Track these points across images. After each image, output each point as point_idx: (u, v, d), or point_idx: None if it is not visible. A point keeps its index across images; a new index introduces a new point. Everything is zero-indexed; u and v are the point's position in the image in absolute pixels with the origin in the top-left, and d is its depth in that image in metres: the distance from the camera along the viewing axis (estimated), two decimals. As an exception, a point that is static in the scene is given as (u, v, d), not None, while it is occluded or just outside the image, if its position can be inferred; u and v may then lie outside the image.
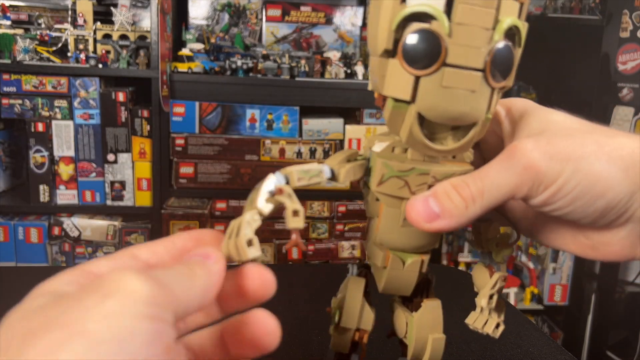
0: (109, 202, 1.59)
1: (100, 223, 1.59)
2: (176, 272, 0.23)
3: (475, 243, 0.33)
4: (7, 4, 1.54)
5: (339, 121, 1.61)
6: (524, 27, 0.27)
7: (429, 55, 0.25)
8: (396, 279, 0.32)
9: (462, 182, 0.28)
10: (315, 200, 1.65)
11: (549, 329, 2.04)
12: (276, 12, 1.78)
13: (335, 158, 0.31)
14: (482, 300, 0.31)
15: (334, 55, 1.65)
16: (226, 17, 1.77)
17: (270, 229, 1.64)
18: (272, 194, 0.28)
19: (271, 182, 0.29)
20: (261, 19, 1.79)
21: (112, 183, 1.58)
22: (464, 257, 2.00)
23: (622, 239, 0.29)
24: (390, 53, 0.27)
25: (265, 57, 1.63)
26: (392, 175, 0.29)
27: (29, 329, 0.19)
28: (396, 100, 0.27)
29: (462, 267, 1.97)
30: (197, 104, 1.57)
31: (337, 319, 0.33)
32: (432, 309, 0.32)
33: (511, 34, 0.27)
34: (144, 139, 1.56)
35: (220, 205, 1.60)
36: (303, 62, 1.62)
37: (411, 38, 0.25)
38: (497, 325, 0.31)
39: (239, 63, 1.59)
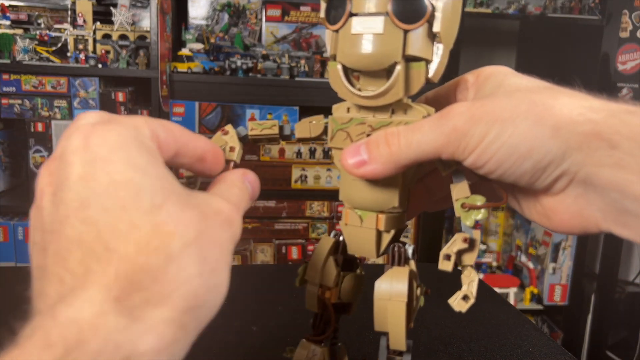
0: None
1: (100, 223, 1.59)
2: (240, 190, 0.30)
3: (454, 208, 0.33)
4: (6, 4, 1.54)
5: (339, 121, 1.61)
6: None
7: (339, 9, 0.29)
8: (356, 236, 0.33)
9: (396, 131, 0.29)
10: (315, 201, 1.65)
11: (548, 329, 2.04)
12: (276, 12, 1.78)
13: (302, 120, 0.35)
14: (440, 263, 0.30)
15: (333, 55, 1.65)
16: (226, 17, 1.77)
17: (270, 229, 1.64)
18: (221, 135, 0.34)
19: (229, 127, 0.34)
20: (261, 19, 1.79)
21: (112, 183, 1.58)
22: (464, 257, 2.00)
23: (569, 205, 0.28)
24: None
25: (265, 57, 1.63)
26: (338, 128, 0.32)
27: None
28: (333, 60, 0.31)
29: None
30: (196, 104, 1.57)
31: (302, 273, 0.35)
32: (395, 274, 0.31)
33: None
34: (143, 139, 1.56)
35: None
36: (303, 62, 1.62)
37: (327, 2, 0.30)
38: (466, 298, 0.29)
39: (239, 63, 1.59)
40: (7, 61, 1.48)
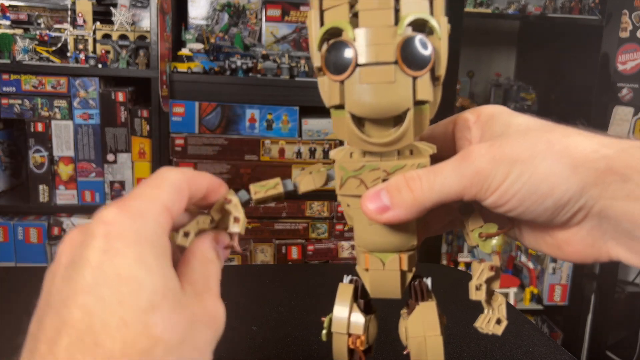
0: (108, 202, 1.58)
1: (100, 223, 1.59)
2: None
3: (466, 237, 0.34)
4: (6, 4, 1.54)
5: (339, 121, 1.61)
6: (438, 19, 0.29)
7: (343, 60, 0.29)
8: (380, 280, 0.33)
9: (416, 175, 0.30)
10: (315, 201, 1.65)
11: (548, 329, 2.04)
12: (276, 12, 1.78)
13: (302, 173, 0.35)
14: (471, 293, 0.31)
15: (333, 55, 1.65)
16: (226, 17, 1.77)
17: (270, 229, 1.64)
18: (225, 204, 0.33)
19: (232, 195, 0.33)
20: (261, 19, 1.79)
21: (112, 183, 1.58)
22: (464, 257, 2.00)
23: (583, 238, 0.29)
24: (320, 69, 0.30)
25: (265, 57, 1.63)
26: (349, 175, 0.32)
27: None
28: (334, 108, 0.30)
29: (461, 267, 1.97)
30: (196, 104, 1.57)
31: (329, 326, 0.35)
32: (424, 310, 0.33)
33: (420, 26, 0.29)
34: (143, 139, 1.56)
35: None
36: (303, 62, 1.62)
37: (328, 51, 0.29)
38: (499, 321, 0.31)
39: (239, 63, 1.59)
40: (7, 61, 1.48)
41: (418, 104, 0.29)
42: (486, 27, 2.20)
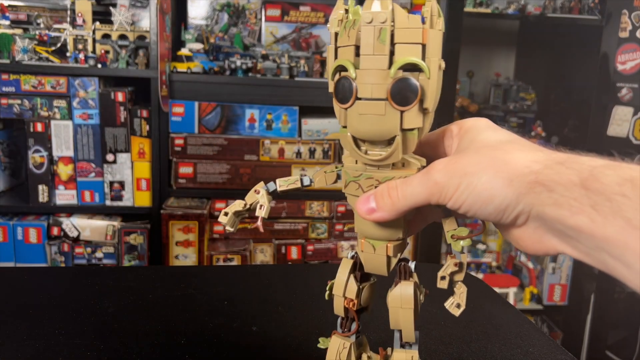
0: (108, 202, 1.59)
1: (100, 223, 1.59)
2: None
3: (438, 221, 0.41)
4: (6, 3, 1.54)
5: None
6: (430, 60, 0.35)
7: (347, 94, 0.36)
8: (371, 261, 0.41)
9: (394, 185, 0.37)
10: (315, 201, 1.65)
11: (548, 328, 2.04)
12: (275, 12, 1.78)
13: (319, 171, 0.43)
14: (437, 283, 0.39)
15: (333, 55, 1.65)
16: (225, 17, 1.77)
17: (270, 229, 1.64)
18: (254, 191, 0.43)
19: (261, 187, 0.43)
20: (260, 19, 1.79)
21: (112, 183, 1.58)
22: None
23: (531, 235, 0.35)
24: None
25: (265, 57, 1.63)
26: (351, 180, 0.40)
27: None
28: (343, 127, 0.38)
29: (461, 267, 1.96)
30: (196, 104, 1.57)
31: (330, 289, 0.44)
32: (403, 287, 0.40)
33: (412, 68, 0.35)
34: (143, 139, 1.56)
35: (220, 205, 1.60)
36: (302, 62, 1.62)
37: (336, 84, 0.37)
38: (458, 306, 0.38)
39: (238, 63, 1.59)
40: (7, 61, 1.48)
41: (406, 130, 0.36)
42: (486, 27, 2.20)
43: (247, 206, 0.43)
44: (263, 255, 1.65)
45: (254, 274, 0.80)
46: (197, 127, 1.59)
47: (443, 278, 0.39)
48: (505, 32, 2.25)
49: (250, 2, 1.78)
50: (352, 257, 0.43)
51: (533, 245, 0.35)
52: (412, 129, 0.36)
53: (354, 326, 0.44)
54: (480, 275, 1.94)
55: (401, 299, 0.40)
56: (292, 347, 0.57)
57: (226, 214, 0.43)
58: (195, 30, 1.74)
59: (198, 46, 1.62)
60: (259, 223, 0.42)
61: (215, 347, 0.57)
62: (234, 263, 1.57)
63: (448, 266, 0.39)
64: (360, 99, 0.36)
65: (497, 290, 0.76)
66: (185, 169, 1.59)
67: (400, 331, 0.42)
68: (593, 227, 0.30)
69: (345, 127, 0.38)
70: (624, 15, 1.75)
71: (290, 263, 1.64)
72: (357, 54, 0.36)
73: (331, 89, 0.37)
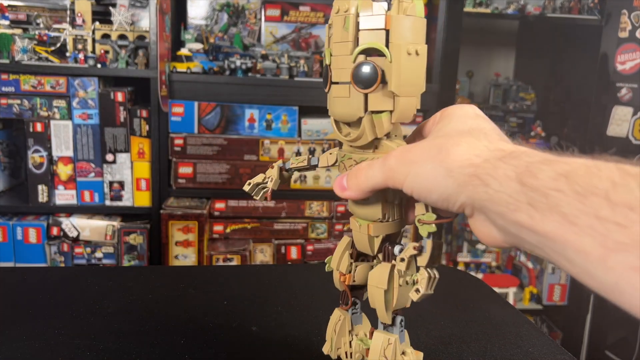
0: (107, 202, 1.59)
1: (99, 223, 1.59)
2: None
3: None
4: (5, 3, 1.54)
5: (338, 121, 1.61)
6: (395, 45, 0.37)
7: (325, 79, 0.40)
8: (357, 238, 0.44)
9: (361, 167, 0.40)
10: (315, 201, 1.65)
11: (548, 328, 2.04)
12: (275, 12, 1.78)
13: (324, 154, 0.46)
14: (397, 264, 0.41)
15: (333, 55, 1.65)
16: (225, 17, 1.77)
17: (270, 229, 1.64)
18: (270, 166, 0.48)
19: (275, 163, 0.48)
20: (260, 19, 1.79)
21: (111, 183, 1.58)
22: (463, 257, 2.00)
23: (481, 227, 0.35)
24: None
25: (264, 57, 1.63)
26: (340, 160, 0.43)
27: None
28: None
29: (461, 267, 1.97)
30: (196, 104, 1.57)
31: (329, 262, 0.47)
32: (380, 269, 0.41)
33: (378, 53, 0.37)
34: (142, 139, 1.56)
35: (219, 205, 1.60)
36: (302, 62, 1.62)
37: (322, 70, 0.40)
38: (418, 290, 0.39)
39: (238, 63, 1.59)
40: (6, 61, 1.47)
41: (375, 112, 0.38)
42: (485, 27, 2.20)
43: (266, 179, 0.48)
44: (263, 255, 1.65)
45: (253, 274, 0.80)
46: (197, 127, 1.59)
47: (402, 260, 0.40)
48: (505, 32, 2.25)
49: (250, 2, 1.78)
50: (350, 236, 0.46)
51: (487, 237, 0.35)
52: (380, 112, 0.38)
53: (349, 301, 0.46)
54: (480, 275, 1.94)
55: (376, 278, 0.41)
56: (292, 347, 0.57)
57: (249, 184, 0.48)
58: (195, 30, 1.74)
59: (198, 46, 1.62)
60: (268, 193, 0.48)
61: (215, 347, 0.57)
62: (234, 263, 1.57)
63: (407, 249, 0.40)
64: (334, 83, 0.39)
65: (496, 290, 0.76)
66: (185, 169, 1.59)
67: None
68: (532, 223, 0.30)
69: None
70: (623, 15, 1.75)
71: (290, 263, 1.64)
72: None
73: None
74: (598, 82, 1.84)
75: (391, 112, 0.39)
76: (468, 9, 1.82)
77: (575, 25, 1.89)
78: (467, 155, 0.34)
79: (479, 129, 0.37)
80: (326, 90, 0.40)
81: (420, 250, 0.40)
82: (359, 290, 0.47)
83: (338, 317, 0.47)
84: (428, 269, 0.40)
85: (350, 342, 0.47)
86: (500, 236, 0.34)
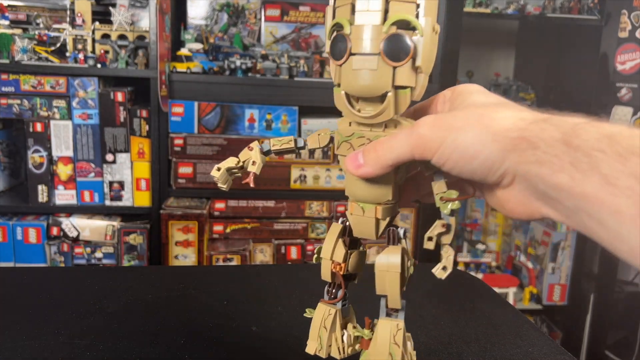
0: (107, 202, 1.59)
1: (99, 223, 1.59)
2: None
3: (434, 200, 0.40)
4: (5, 3, 1.54)
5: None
6: (425, 20, 0.36)
7: (341, 49, 0.37)
8: (360, 224, 0.42)
9: (380, 142, 0.38)
10: (315, 201, 1.65)
11: (547, 328, 2.04)
12: (275, 12, 1.78)
13: (312, 134, 0.43)
14: (424, 243, 0.39)
15: (333, 55, 1.65)
16: (225, 17, 1.77)
17: (270, 229, 1.64)
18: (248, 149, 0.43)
19: (255, 144, 0.43)
20: (260, 19, 1.79)
21: (111, 183, 1.58)
22: (463, 257, 2.00)
23: (516, 197, 0.35)
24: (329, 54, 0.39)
25: (264, 57, 1.63)
26: (343, 140, 0.40)
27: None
28: (337, 86, 0.39)
29: (461, 267, 1.97)
30: (195, 104, 1.57)
31: (318, 252, 0.44)
32: (391, 251, 0.40)
33: (406, 25, 0.36)
34: (142, 139, 1.56)
35: (219, 205, 1.60)
36: (302, 62, 1.62)
37: (332, 41, 0.38)
38: (445, 268, 0.37)
39: (238, 63, 1.59)
40: (6, 61, 1.47)
41: (399, 88, 0.37)
42: (485, 27, 2.20)
43: (240, 163, 0.43)
44: (263, 255, 1.65)
45: (253, 274, 0.80)
46: (197, 127, 1.59)
47: (430, 239, 0.38)
48: (505, 32, 2.25)
49: (250, 2, 1.78)
50: (342, 222, 0.43)
51: (518, 209, 0.35)
52: (404, 87, 0.37)
53: (340, 293, 0.44)
54: (479, 275, 1.94)
55: (388, 262, 0.39)
56: (292, 347, 0.57)
57: (219, 169, 0.43)
58: (195, 30, 1.74)
59: (198, 46, 1.62)
60: (251, 177, 0.43)
61: (214, 347, 0.57)
62: (234, 263, 1.57)
63: (435, 227, 0.38)
64: (354, 54, 0.36)
65: (496, 290, 0.76)
66: (185, 169, 1.59)
67: (386, 298, 0.41)
68: (572, 184, 0.30)
69: (339, 85, 0.38)
70: (623, 15, 1.75)
71: (290, 263, 1.64)
72: (354, 12, 0.37)
73: (328, 48, 0.38)
74: (598, 82, 1.84)
75: (412, 89, 0.37)
76: (468, 9, 1.82)
77: (575, 25, 1.89)
78: (513, 119, 0.33)
79: (506, 101, 0.37)
80: (339, 63, 0.37)
81: (448, 228, 0.38)
82: (347, 280, 0.45)
83: (327, 312, 0.44)
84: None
85: (342, 336, 0.45)
86: (536, 205, 0.34)
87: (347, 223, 0.43)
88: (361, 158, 0.38)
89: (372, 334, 0.43)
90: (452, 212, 0.38)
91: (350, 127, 0.40)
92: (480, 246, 2.02)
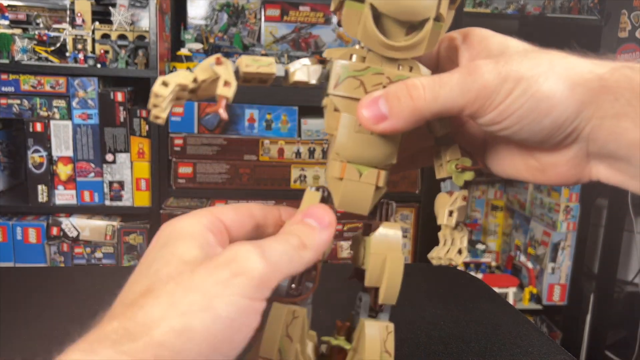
0: (107, 202, 1.59)
1: (99, 223, 1.59)
2: (287, 249, 0.27)
3: (436, 169, 0.33)
4: (5, 3, 1.54)
5: (338, 121, 1.61)
6: None
7: None
8: (352, 192, 0.31)
9: (420, 84, 0.29)
10: (314, 200, 1.65)
11: (547, 328, 2.04)
12: (275, 12, 1.78)
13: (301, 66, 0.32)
14: (441, 218, 0.32)
15: (332, 55, 1.65)
16: (225, 17, 1.77)
17: (269, 229, 1.63)
18: (212, 65, 0.29)
19: (225, 59, 0.30)
20: (260, 19, 1.79)
21: (111, 183, 1.58)
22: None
23: (570, 159, 0.29)
24: None
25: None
26: (348, 75, 0.30)
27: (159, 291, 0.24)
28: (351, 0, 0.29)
29: (461, 267, 1.97)
30: (195, 103, 1.57)
31: None
32: (390, 230, 0.31)
33: None
34: (142, 139, 1.56)
35: (219, 205, 1.60)
36: (302, 62, 1.62)
37: None
38: (460, 251, 0.31)
39: (238, 63, 1.59)
40: (6, 61, 1.47)
41: (437, 19, 0.29)
42: (485, 27, 2.20)
43: (198, 81, 0.30)
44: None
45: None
46: (197, 127, 1.59)
47: (451, 213, 0.31)
48: (505, 32, 2.24)
49: (250, 2, 1.78)
50: (318, 190, 0.33)
51: (566, 172, 0.30)
52: (440, 19, 0.30)
53: (310, 285, 0.32)
54: (479, 275, 1.94)
55: (387, 241, 0.31)
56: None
57: (166, 84, 0.28)
58: (195, 30, 1.74)
59: (197, 46, 1.62)
60: (223, 104, 0.30)
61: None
62: (234, 263, 1.57)
63: (457, 200, 0.31)
64: None
65: (496, 290, 0.76)
66: (185, 169, 1.59)
67: (374, 292, 0.32)
68: None
69: (356, 1, 0.29)
70: (623, 15, 1.75)
71: (289, 263, 1.64)
72: None
73: None
74: (598, 82, 1.84)
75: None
76: (468, 9, 1.82)
77: (575, 25, 1.89)
78: (589, 67, 0.28)
79: (543, 49, 0.31)
80: None
81: (467, 201, 0.32)
82: (361, 276, 0.33)
83: (290, 315, 0.30)
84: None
85: (304, 349, 0.32)
86: (591, 166, 0.29)
87: (326, 193, 0.33)
88: (384, 106, 0.29)
89: (351, 343, 0.33)
90: (466, 184, 0.32)
91: (370, 60, 0.30)
92: (480, 246, 2.02)
